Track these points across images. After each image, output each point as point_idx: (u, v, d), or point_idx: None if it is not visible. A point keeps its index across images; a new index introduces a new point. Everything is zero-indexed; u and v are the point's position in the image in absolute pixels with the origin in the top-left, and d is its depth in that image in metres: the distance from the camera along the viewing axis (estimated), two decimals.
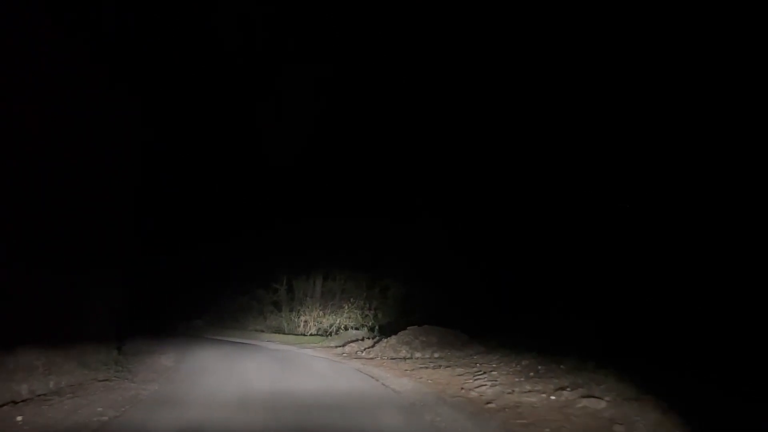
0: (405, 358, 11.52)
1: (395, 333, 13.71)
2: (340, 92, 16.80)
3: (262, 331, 19.93)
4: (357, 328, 17.32)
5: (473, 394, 7.21)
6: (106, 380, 8.04)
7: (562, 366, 7.83)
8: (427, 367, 9.81)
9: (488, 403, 6.55)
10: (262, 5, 13.72)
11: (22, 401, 6.27)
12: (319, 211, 19.08)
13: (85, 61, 10.12)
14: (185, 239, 21.56)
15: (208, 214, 21.22)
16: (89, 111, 10.43)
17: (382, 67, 15.84)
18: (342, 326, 17.92)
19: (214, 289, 22.86)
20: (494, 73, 14.36)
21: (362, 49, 15.25)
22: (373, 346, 13.24)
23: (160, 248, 19.58)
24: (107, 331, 10.50)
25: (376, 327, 16.51)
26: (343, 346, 14.16)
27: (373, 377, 8.94)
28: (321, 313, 18.97)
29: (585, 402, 5.99)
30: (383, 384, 8.21)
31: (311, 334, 18.20)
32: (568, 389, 6.54)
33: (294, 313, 19.66)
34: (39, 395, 6.63)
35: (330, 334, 17.55)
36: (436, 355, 11.60)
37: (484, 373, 8.50)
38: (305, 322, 18.92)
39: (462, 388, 7.61)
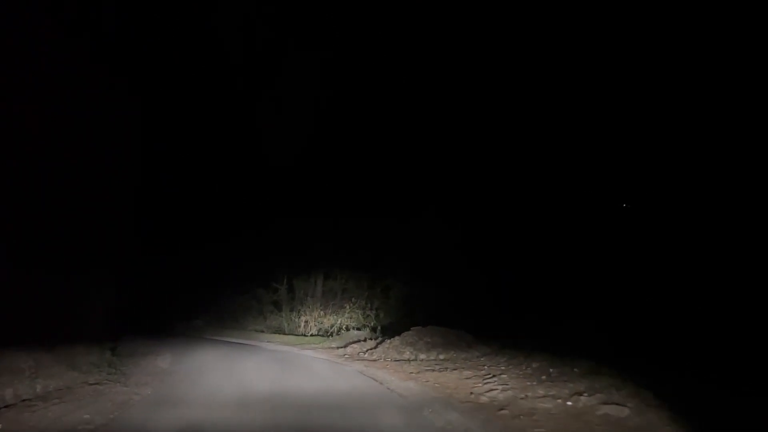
0: (409, 360, 11.28)
1: (398, 333, 13.47)
2: (340, 91, 16.72)
3: (262, 331, 19.75)
4: (359, 329, 17.14)
5: (484, 398, 6.91)
6: (97, 384, 7.72)
7: (575, 369, 7.54)
8: (432, 370, 9.54)
9: (501, 409, 6.24)
10: (262, 5, 13.61)
11: (5, 407, 5.98)
12: (319, 210, 18.97)
13: (85, 61, 10.02)
14: (185, 239, 21.51)
15: (208, 214, 21.16)
16: (89, 111, 10.35)
17: (384, 65, 15.76)
18: (343, 326, 17.72)
19: (214, 289, 22.69)
20: (496, 75, 14.33)
21: (364, 47, 15.16)
22: (375, 347, 13.03)
23: (160, 248, 19.53)
24: (101, 332, 10.33)
25: (378, 327, 16.35)
26: (345, 347, 13.98)
27: (376, 380, 8.65)
28: (322, 313, 18.78)
29: (606, 409, 5.69)
30: (388, 388, 7.93)
31: (312, 335, 18.00)
32: (586, 394, 6.25)
33: (294, 313, 19.48)
34: (24, 400, 6.33)
35: (331, 335, 17.36)
36: (441, 356, 11.34)
37: (493, 376, 8.22)
38: (306, 322, 18.73)
39: (471, 393, 7.31)
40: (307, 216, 19.13)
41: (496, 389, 7.25)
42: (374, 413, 6.11)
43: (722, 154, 9.26)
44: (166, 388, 7.85)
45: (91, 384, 7.66)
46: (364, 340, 14.57)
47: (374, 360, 11.69)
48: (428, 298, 17.25)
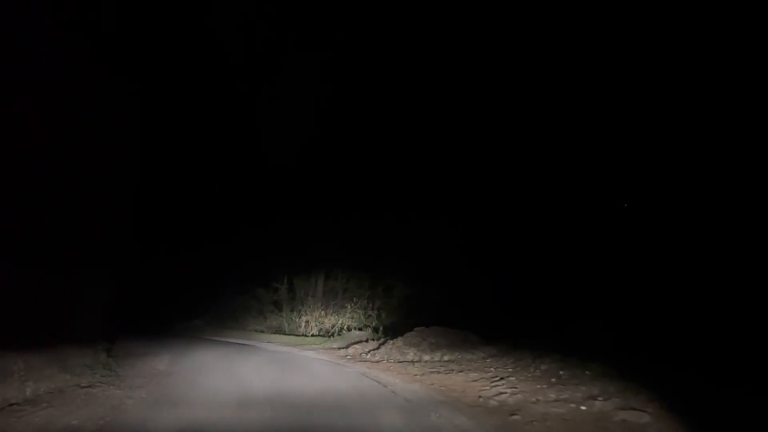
0: (413, 362, 11.08)
1: (401, 334, 13.30)
2: (340, 91, 16.65)
3: (263, 331, 19.61)
4: (360, 329, 17.01)
5: (493, 403, 6.71)
6: (89, 386, 7.49)
7: (587, 372, 7.37)
8: (438, 372, 9.36)
9: (512, 414, 6.04)
10: (262, 5, 13.53)
11: None
12: (319, 210, 18.90)
13: (85, 61, 9.94)
14: (185, 239, 21.44)
15: (208, 214, 21.09)
16: (89, 111, 10.29)
17: (384, 64, 15.69)
18: (345, 327, 17.58)
19: (214, 289, 22.60)
20: (496, 75, 14.29)
21: (364, 47, 15.10)
22: (378, 348, 12.87)
23: (160, 248, 19.46)
24: (98, 333, 10.21)
25: (380, 328, 16.26)
26: (347, 347, 13.83)
27: (380, 382, 8.45)
28: (323, 312, 18.66)
29: (624, 414, 5.49)
30: (392, 390, 7.73)
31: (313, 335, 17.85)
32: (600, 398, 6.07)
33: (295, 312, 19.36)
34: (12, 404, 6.11)
35: (332, 335, 17.22)
36: (445, 358, 11.13)
37: (501, 378, 8.04)
38: (307, 322, 18.60)
39: (480, 396, 7.11)
40: (307, 216, 19.06)
41: (506, 393, 7.08)
42: (377, 417, 5.95)
43: (722, 154, 9.23)
44: (163, 390, 7.66)
45: (84, 387, 7.46)
46: (366, 341, 14.42)
47: (377, 361, 11.52)
48: (430, 298, 17.17)
